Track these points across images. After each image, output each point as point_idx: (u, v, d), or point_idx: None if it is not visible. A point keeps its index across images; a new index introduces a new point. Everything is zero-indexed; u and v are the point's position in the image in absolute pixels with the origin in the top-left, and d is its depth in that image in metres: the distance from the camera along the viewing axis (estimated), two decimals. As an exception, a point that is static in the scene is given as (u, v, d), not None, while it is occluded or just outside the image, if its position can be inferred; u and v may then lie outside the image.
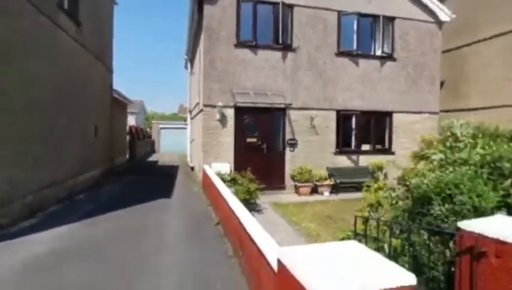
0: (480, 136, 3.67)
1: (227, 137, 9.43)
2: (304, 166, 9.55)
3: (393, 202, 4.27)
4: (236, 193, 7.12)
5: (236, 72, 9.39)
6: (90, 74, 10.49)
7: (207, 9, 9.16)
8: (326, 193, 9.48)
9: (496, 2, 10.75)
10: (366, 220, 3.37)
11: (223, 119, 9.36)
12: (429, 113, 10.95)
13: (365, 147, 10.56)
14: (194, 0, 9.67)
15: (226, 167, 9.10)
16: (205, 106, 9.32)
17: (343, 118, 10.24)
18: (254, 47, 9.51)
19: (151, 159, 22.05)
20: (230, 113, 9.42)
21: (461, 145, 3.50)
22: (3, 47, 5.64)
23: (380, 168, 10.11)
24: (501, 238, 2.27)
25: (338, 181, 9.58)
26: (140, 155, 21.10)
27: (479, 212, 2.70)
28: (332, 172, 9.77)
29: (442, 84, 11.59)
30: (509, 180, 2.75)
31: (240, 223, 4.10)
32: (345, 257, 1.78)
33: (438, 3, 10.91)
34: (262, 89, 9.54)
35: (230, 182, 7.53)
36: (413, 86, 10.85)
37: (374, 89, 10.44)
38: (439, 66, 11.12)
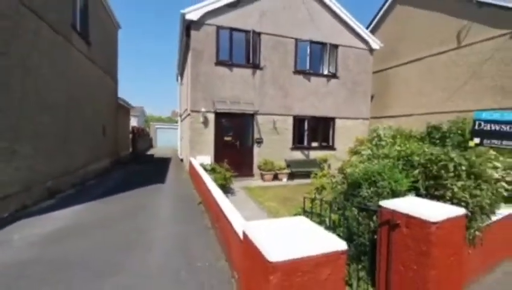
0: (398, 137, 3.73)
1: (208, 136, 9.12)
2: (268, 159, 9.47)
3: (334, 186, 4.25)
4: (215, 180, 6.90)
5: (216, 85, 9.09)
6: (100, 84, 9.79)
7: (193, 34, 8.77)
8: (285, 179, 9.46)
9: (412, 35, 11.20)
10: (312, 200, 3.28)
11: (205, 122, 9.04)
12: (362, 119, 11.24)
13: (314, 144, 10.64)
14: (183, 27, 9.23)
15: (208, 159, 8.82)
16: (192, 111, 8.95)
17: (298, 121, 10.25)
18: (230, 65, 9.24)
19: (149, 152, 21.11)
20: (211, 117, 9.11)
21: (383, 143, 3.51)
22: (26, 60, 5.08)
23: (325, 161, 10.24)
24: (410, 213, 2.25)
25: (294, 170, 9.59)
26: (140, 149, 20.14)
27: (395, 194, 2.69)
28: (290, 163, 9.76)
29: (372, 97, 11.93)
30: (417, 170, 2.77)
31: (216, 202, 3.91)
32: (294, 229, 1.72)
33: (370, 34, 11.19)
34: (236, 98, 9.32)
35: (211, 171, 7.27)
36: (351, 98, 11.07)
37: (322, 100, 10.54)
38: (371, 83, 11.43)
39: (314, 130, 10.61)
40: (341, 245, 1.45)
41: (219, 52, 9.08)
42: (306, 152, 10.40)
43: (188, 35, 9.07)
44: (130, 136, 17.94)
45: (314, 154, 10.46)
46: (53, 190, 6.15)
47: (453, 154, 2.61)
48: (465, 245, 2.72)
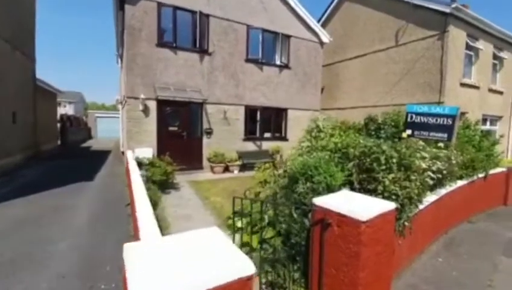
0: (337, 128, 3.69)
1: (150, 126, 8.28)
2: (218, 150, 9.07)
3: (275, 180, 4.09)
4: (151, 175, 6.27)
5: (158, 69, 8.23)
6: (5, 61, 7.97)
7: (128, 9, 7.69)
8: (236, 171, 9.21)
9: (357, 32, 11.73)
10: (241, 200, 2.99)
11: (146, 110, 8.16)
12: (313, 110, 11.52)
13: (267, 134, 10.58)
14: (115, 0, 8.06)
15: (149, 151, 7.99)
16: (128, 97, 7.97)
17: (250, 111, 10.01)
18: (174, 48, 8.44)
19: (85, 145, 18.74)
20: (152, 105, 8.26)
21: (322, 135, 3.43)
22: None
23: (278, 151, 10.28)
24: (341, 212, 2.12)
25: (245, 161, 9.38)
26: (74, 141, 17.75)
27: (330, 189, 2.58)
28: (241, 154, 9.52)
29: (322, 89, 12.30)
30: (351, 163, 2.70)
31: (134, 207, 3.38)
32: (196, 248, 1.32)
33: (321, 28, 11.40)
34: (182, 85, 8.61)
35: (149, 165, 6.57)
36: (302, 90, 11.22)
37: (274, 90, 10.44)
38: (321, 75, 11.74)
39: (266, 121, 10.50)
40: (248, 270, 1.14)
41: (161, 32, 8.20)
42: (258, 143, 10.27)
43: (122, 9, 7.95)
44: (58, 125, 15.64)
45: (267, 145, 10.40)
46: None
47: (384, 147, 2.61)
48: (395, 237, 2.78)
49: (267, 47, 10.31)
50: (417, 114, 5.17)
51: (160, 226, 4.38)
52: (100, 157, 12.45)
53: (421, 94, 9.18)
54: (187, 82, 8.68)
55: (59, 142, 15.74)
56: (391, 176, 2.52)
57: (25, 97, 9.43)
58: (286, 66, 10.68)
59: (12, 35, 8.45)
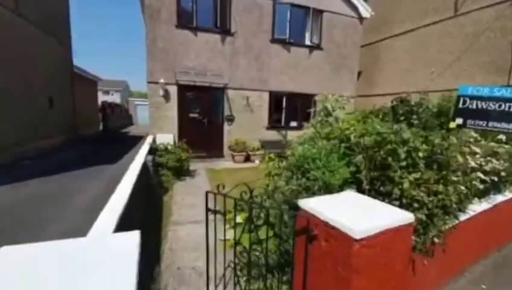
0: (355, 114, 3.01)
1: (171, 111, 8.27)
2: (240, 138, 8.75)
3: (280, 172, 3.60)
4: (168, 161, 6.22)
5: (178, 52, 8.08)
6: (38, 47, 8.60)
7: (147, -12, 7.60)
8: (257, 161, 8.81)
9: (405, 3, 10.15)
10: (214, 195, 2.56)
11: (166, 96, 8.15)
12: (347, 96, 10.46)
13: (293, 123, 9.92)
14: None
15: (170, 137, 8.04)
16: (149, 82, 8.00)
17: (275, 98, 9.42)
18: (194, 29, 8.18)
19: (125, 130, 20.08)
20: (173, 90, 8.20)
21: (331, 120, 2.80)
22: None
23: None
24: (330, 222, 1.57)
25: (268, 151, 8.91)
26: (115, 127, 19.11)
27: (328, 188, 2.02)
28: (264, 144, 9.07)
29: (359, 74, 11.08)
30: (360, 156, 2.06)
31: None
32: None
33: (361, 1, 10.10)
34: (203, 69, 8.36)
35: (164, 151, 6.52)
36: (335, 73, 10.20)
37: (302, 74, 9.65)
38: (358, 57, 10.52)
39: (293, 108, 9.82)
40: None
41: (180, 11, 7.98)
42: (283, 132, 9.69)
43: (143, -10, 7.90)
44: (101, 112, 16.91)
45: (293, 135, 9.75)
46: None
47: (406, 135, 1.91)
48: (419, 256, 2.12)
49: (296, 25, 9.47)
50: (472, 98, 4.11)
51: (160, 215, 4.25)
52: (133, 142, 13.10)
53: (483, 76, 7.58)
54: (208, 65, 8.41)
55: (100, 127, 17.04)
56: (413, 176, 1.85)
57: (61, 83, 10.19)
58: (317, 47, 9.74)
59: (45, 23, 9.01)
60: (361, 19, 10.26)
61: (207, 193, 2.21)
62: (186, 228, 3.88)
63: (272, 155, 3.96)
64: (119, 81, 39.79)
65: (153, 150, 6.33)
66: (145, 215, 3.98)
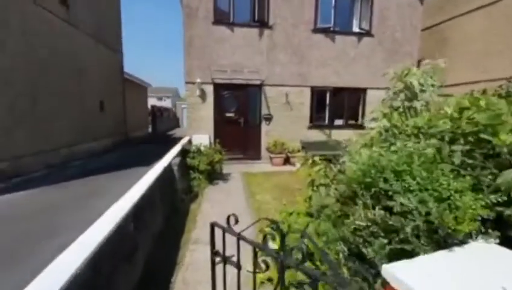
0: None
1: (207, 111, 7.80)
2: (278, 139, 7.84)
3: (327, 182, 2.62)
4: (199, 164, 5.66)
5: (214, 50, 7.56)
6: (89, 54, 8.97)
7: (184, -14, 7.24)
8: (298, 164, 7.78)
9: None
10: (223, 232, 1.70)
11: (202, 95, 7.69)
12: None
13: (338, 122, 8.62)
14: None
15: (206, 138, 7.55)
16: (187, 82, 7.64)
17: (317, 94, 8.27)
18: (231, 24, 7.57)
19: (171, 132, 20.84)
20: (209, 89, 7.72)
21: (418, 105, 1.72)
22: None
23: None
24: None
25: (310, 153, 7.84)
26: (162, 129, 19.94)
27: (438, 234, 1.03)
28: (305, 145, 8.01)
29: (420, 61, 9.21)
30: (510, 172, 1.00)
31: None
32: None
33: (421, -23, 8.35)
34: (239, 66, 7.70)
35: (196, 152, 5.99)
36: (389, 63, 8.58)
37: (349, 66, 8.31)
38: (418, 42, 8.75)
39: (338, 105, 8.55)
40: None
41: (217, 6, 7.44)
42: (327, 132, 8.49)
43: (179, -11, 7.57)
44: (150, 115, 17.70)
45: (338, 135, 8.47)
46: (9, 173, 5.52)
47: None
48: None
49: (342, 10, 8.21)
50: None
51: (182, 228, 3.60)
52: (174, 143, 13.26)
53: None
54: (244, 62, 7.72)
55: (149, 130, 17.85)
56: None
57: (112, 88, 10.60)
58: (367, 33, 8.31)
59: (96, 30, 9.39)
60: (421, -3, 8.51)
61: (212, 226, 1.37)
62: (208, 250, 3.15)
63: (316, 158, 3.00)
64: (170, 88, 42.43)
65: (185, 152, 5.84)
66: (163, 228, 3.37)
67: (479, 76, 7.92)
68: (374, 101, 8.57)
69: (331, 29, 8.07)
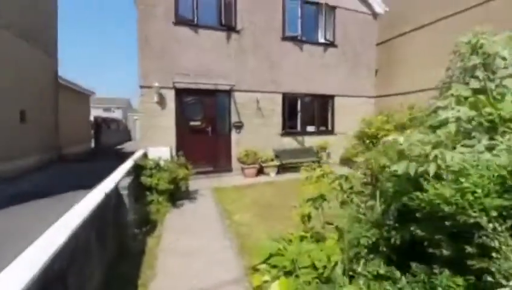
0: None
1: (167, 120, 6.76)
2: (250, 148, 7.20)
3: (346, 197, 2.04)
4: (158, 183, 4.60)
5: (176, 52, 6.69)
6: (6, 52, 7.12)
7: (139, -22, 6.31)
8: (273, 174, 7.25)
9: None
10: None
11: (161, 102, 6.66)
12: (366, 97, 9.13)
13: (310, 128, 8.44)
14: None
15: (166, 151, 6.38)
16: (142, 87, 6.53)
17: (288, 100, 7.99)
18: (195, 26, 6.84)
19: (121, 146, 18.44)
20: (170, 95, 6.74)
21: (510, 84, 1.31)
22: None
23: (324, 148, 8.10)
24: None
25: (284, 162, 7.38)
26: (110, 143, 17.48)
27: None
28: (279, 153, 7.54)
29: (376, 72, 9.78)
30: None
31: None
32: None
33: (374, -4, 8.98)
34: (205, 70, 6.96)
35: (154, 169, 4.89)
36: (352, 72, 8.89)
37: (317, 74, 8.29)
38: (375, 54, 9.29)
39: (309, 112, 8.40)
40: None
41: (179, 6, 6.66)
42: (300, 139, 8.20)
43: (133, -19, 6.59)
44: (93, 127, 15.37)
45: (311, 141, 8.27)
46: None
47: None
48: None
49: (308, 21, 8.23)
50: None
51: (134, 280, 2.24)
52: (126, 159, 11.50)
53: None
54: (211, 66, 7.01)
55: (92, 144, 15.44)
56: None
57: (39, 95, 8.65)
58: (332, 44, 8.47)
59: (19, 29, 7.58)
60: (375, 15, 9.14)
61: None
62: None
63: (325, 167, 2.41)
64: (121, 98, 38.58)
65: (139, 169, 4.73)
66: (104, 285, 2.30)
67: (431, 84, 8.61)
68: (340, 107, 8.72)
69: (299, 38, 7.99)
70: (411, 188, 1.22)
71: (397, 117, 6.90)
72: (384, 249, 1.34)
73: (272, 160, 7.33)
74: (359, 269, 1.35)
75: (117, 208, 3.14)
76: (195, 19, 6.84)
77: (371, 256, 1.40)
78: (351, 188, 2.17)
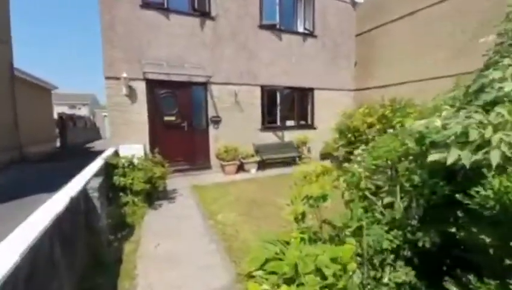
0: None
1: (139, 114, 6.23)
2: (229, 144, 6.88)
3: (353, 194, 1.81)
4: (133, 183, 4.19)
5: (145, 39, 6.12)
6: None
7: (101, -44, 5.63)
8: (253, 170, 7.00)
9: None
10: None
11: (131, 95, 6.11)
12: (347, 90, 9.11)
13: (290, 122, 8.26)
14: None
15: (140, 148, 5.90)
16: (108, 78, 5.92)
17: (267, 93, 7.71)
18: (165, 10, 6.29)
19: (89, 145, 17.22)
20: (141, 87, 6.20)
21: None
22: None
23: (305, 143, 7.97)
24: None
25: (265, 157, 7.15)
26: (77, 142, 16.27)
27: None
28: (259, 148, 7.29)
29: (355, 64, 9.76)
30: None
31: None
32: None
33: (353, -15, 8.88)
34: (179, 60, 6.47)
35: (128, 168, 4.46)
36: (332, 64, 8.79)
37: (296, 65, 8.07)
38: (354, 45, 9.25)
39: (288, 105, 8.20)
40: None
41: (146, -12, 6.08)
42: (279, 133, 8.00)
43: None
44: (59, 125, 14.17)
45: (291, 136, 8.10)
46: None
47: None
48: None
49: (287, 9, 7.96)
50: None
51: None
52: (93, 159, 10.68)
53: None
54: (185, 56, 6.53)
55: (58, 143, 14.25)
56: None
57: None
58: (311, 34, 8.27)
59: None
60: (354, 4, 9.07)
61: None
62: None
63: (324, 165, 2.14)
64: (87, 94, 36.18)
65: (110, 168, 4.27)
66: None
67: (409, 77, 8.70)
68: (320, 100, 8.60)
69: (277, 26, 7.68)
70: (442, 181, 1.00)
71: (381, 110, 6.86)
72: (409, 253, 1.12)
73: (253, 156, 7.07)
74: (385, 279, 1.12)
75: (87, 213, 2.74)
76: (165, 2, 6.29)
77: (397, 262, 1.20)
78: (357, 185, 1.90)
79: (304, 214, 2.14)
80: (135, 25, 5.99)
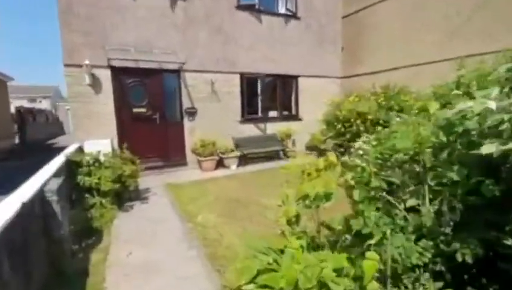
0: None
1: (104, 106, 6.18)
2: (207, 138, 6.96)
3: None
4: (100, 182, 4.22)
5: (109, 22, 6.03)
6: None
7: None
8: (234, 166, 7.13)
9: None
10: None
11: (95, 84, 6.04)
12: (334, 77, 9.32)
13: (272, 113, 8.41)
14: None
15: (107, 144, 5.83)
16: (67, 65, 5.81)
17: (247, 82, 7.79)
18: (131, -11, 6.19)
19: (52, 141, 16.76)
20: (105, 75, 6.13)
21: None
22: None
23: (288, 136, 8.15)
24: None
25: (246, 152, 7.29)
26: (38, 138, 15.79)
27: None
28: (239, 142, 7.42)
29: (342, 49, 9.95)
30: None
31: None
32: None
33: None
34: (147, 45, 6.41)
35: (93, 165, 4.46)
36: (317, 49, 8.94)
37: (278, 51, 8.17)
38: (341, 28, 9.42)
39: (271, 94, 8.32)
40: None
41: (107, -36, 5.94)
42: (261, 126, 8.14)
43: None
44: (17, 121, 13.72)
45: (273, 128, 8.26)
46: None
47: None
48: None
49: (266, -12, 7.98)
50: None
51: None
52: (55, 156, 10.47)
53: (507, 34, 6.72)
54: (154, 40, 6.48)
55: (16, 140, 13.81)
56: None
57: None
58: (294, 15, 8.36)
59: None
60: (340, -17, 9.19)
61: None
62: None
63: (330, 158, 1.94)
64: (47, 86, 34.89)
65: (73, 167, 4.27)
66: None
67: (401, 62, 8.86)
68: (305, 88, 8.77)
69: (256, 7, 7.71)
70: (488, 179, 1.04)
71: (372, 97, 7.06)
72: (442, 268, 1.17)
73: (232, 150, 7.19)
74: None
75: (45, 219, 2.69)
76: (131, -18, 6.18)
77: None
78: (367, 183, 1.70)
79: (298, 216, 1.95)
80: (96, 6, 5.87)
